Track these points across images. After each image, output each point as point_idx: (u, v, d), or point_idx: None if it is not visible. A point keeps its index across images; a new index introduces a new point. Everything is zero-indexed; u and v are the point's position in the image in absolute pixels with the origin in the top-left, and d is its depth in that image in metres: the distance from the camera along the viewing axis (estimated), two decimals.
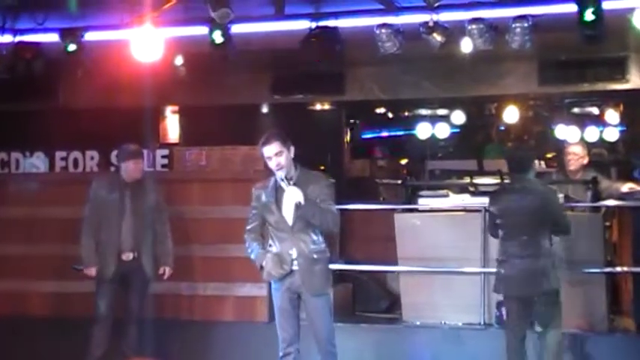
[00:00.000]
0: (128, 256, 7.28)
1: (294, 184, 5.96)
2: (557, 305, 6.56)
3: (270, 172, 6.15)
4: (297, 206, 5.94)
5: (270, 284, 6.24)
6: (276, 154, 5.97)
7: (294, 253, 6.01)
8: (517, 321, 6.57)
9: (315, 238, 6.05)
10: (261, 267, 6.11)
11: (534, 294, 6.49)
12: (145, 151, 8.09)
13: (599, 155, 11.83)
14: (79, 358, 7.22)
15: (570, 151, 8.21)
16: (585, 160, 8.16)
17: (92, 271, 7.26)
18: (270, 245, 6.12)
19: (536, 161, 12.64)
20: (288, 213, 6.02)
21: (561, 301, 6.56)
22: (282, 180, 5.96)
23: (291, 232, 6.01)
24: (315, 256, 6.04)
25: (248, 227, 6.21)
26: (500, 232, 6.67)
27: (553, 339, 6.58)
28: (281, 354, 6.11)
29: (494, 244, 7.62)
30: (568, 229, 6.63)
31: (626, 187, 7.94)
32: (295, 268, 6.01)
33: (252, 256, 6.17)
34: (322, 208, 5.97)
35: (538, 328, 6.75)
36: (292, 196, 5.93)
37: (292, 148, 6.04)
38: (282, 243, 6.04)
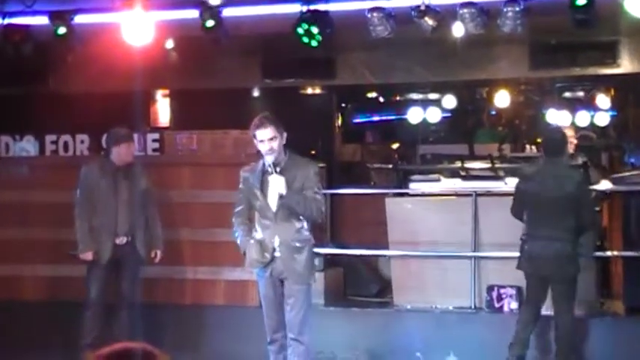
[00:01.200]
0: (122, 240, 7.27)
1: (282, 170, 5.89)
2: (574, 290, 6.67)
3: (259, 156, 6.09)
4: (280, 196, 5.88)
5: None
6: (270, 139, 5.89)
7: (276, 241, 5.94)
8: (534, 300, 6.73)
9: (298, 226, 5.97)
10: (245, 253, 6.07)
11: (556, 276, 6.61)
12: (136, 135, 8.06)
13: (588, 139, 11.85)
14: (73, 342, 7.21)
15: (570, 136, 8.21)
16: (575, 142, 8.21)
17: (88, 256, 7.24)
18: (256, 230, 6.06)
19: (527, 146, 12.77)
20: (273, 200, 5.95)
21: (575, 287, 6.65)
22: (269, 166, 5.89)
23: (275, 219, 5.94)
24: (297, 244, 5.96)
25: (236, 210, 6.16)
26: (528, 212, 6.73)
27: (566, 322, 6.66)
28: (268, 339, 6.08)
29: (485, 228, 7.66)
30: (592, 222, 6.73)
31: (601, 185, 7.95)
32: (277, 255, 5.94)
33: (238, 242, 6.13)
34: (307, 197, 5.90)
35: (544, 311, 6.84)
36: (275, 185, 5.86)
37: (285, 134, 5.97)
38: (266, 230, 5.98)
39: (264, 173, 5.99)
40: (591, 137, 12.35)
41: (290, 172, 5.91)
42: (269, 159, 5.90)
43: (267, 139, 5.90)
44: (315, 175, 6.01)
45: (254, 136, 5.97)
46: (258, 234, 6.02)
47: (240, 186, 6.13)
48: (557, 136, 6.98)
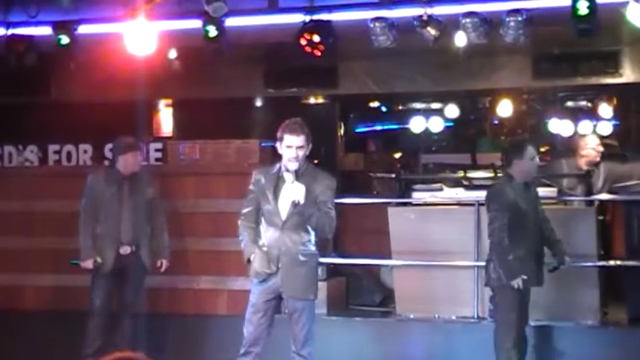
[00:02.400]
0: (126, 249, 7.28)
1: (299, 180, 5.77)
2: (501, 301, 6.53)
3: (277, 159, 5.97)
4: (295, 205, 5.77)
5: None
6: (298, 147, 5.79)
7: (280, 250, 5.83)
8: None
9: (305, 238, 5.87)
10: (248, 260, 5.95)
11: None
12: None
13: (611, 147, 11.82)
14: (75, 352, 7.21)
15: (595, 143, 8.22)
16: None
17: (89, 264, 7.26)
18: (260, 237, 5.94)
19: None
20: (284, 206, 5.85)
21: (504, 297, 6.46)
22: (290, 172, 5.78)
23: (282, 227, 5.84)
24: (301, 257, 5.85)
25: (244, 211, 6.03)
26: None
27: (495, 332, 6.58)
28: (242, 351, 5.97)
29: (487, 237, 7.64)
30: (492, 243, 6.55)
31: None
32: (279, 265, 5.83)
33: (242, 246, 6.02)
34: (321, 211, 5.80)
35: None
36: (293, 192, 5.74)
37: (310, 146, 5.88)
38: (272, 237, 5.88)
39: (279, 178, 5.89)
40: (614, 145, 12.33)
41: (307, 183, 5.80)
42: (292, 166, 5.80)
43: (295, 146, 5.80)
44: (330, 189, 5.91)
45: (281, 139, 5.85)
46: (262, 240, 5.93)
47: (251, 187, 6.01)
48: (505, 146, 6.92)
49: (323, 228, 5.87)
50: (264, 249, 5.91)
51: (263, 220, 5.97)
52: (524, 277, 6.38)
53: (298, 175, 5.81)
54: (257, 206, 5.97)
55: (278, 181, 5.89)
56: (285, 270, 5.85)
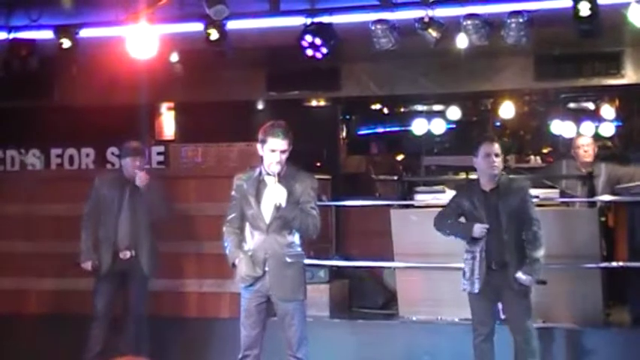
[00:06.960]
0: (125, 254, 7.27)
1: (280, 181, 5.76)
2: None
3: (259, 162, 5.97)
4: (278, 207, 5.76)
5: None
6: (282, 151, 5.79)
7: (266, 253, 5.82)
8: None
9: (290, 240, 5.85)
10: (233, 265, 5.93)
11: None
12: None
13: (607, 148, 11.82)
14: (78, 356, 7.21)
15: (584, 143, 8.23)
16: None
17: (87, 266, 7.28)
18: (245, 242, 5.93)
19: (532, 157, 12.76)
20: (267, 210, 5.83)
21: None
22: (272, 174, 5.77)
23: (267, 230, 5.83)
24: (288, 259, 5.84)
25: (228, 218, 6.01)
26: None
27: None
28: (240, 356, 5.97)
29: None
30: None
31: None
32: (266, 269, 5.81)
33: (227, 252, 6.00)
34: (303, 212, 5.79)
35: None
36: (275, 195, 5.73)
37: (290, 148, 5.88)
38: (256, 241, 5.86)
39: (260, 182, 5.88)
40: (610, 146, 12.33)
41: (288, 184, 5.79)
42: (274, 169, 5.78)
43: (280, 149, 5.78)
44: (312, 189, 5.90)
45: (264, 142, 5.82)
46: (248, 245, 5.91)
47: (233, 193, 6.00)
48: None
49: (307, 229, 5.85)
50: (250, 253, 5.89)
51: (248, 224, 5.96)
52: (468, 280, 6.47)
53: (279, 178, 5.78)
54: (240, 212, 5.96)
55: (259, 185, 5.87)
56: (273, 273, 5.83)
